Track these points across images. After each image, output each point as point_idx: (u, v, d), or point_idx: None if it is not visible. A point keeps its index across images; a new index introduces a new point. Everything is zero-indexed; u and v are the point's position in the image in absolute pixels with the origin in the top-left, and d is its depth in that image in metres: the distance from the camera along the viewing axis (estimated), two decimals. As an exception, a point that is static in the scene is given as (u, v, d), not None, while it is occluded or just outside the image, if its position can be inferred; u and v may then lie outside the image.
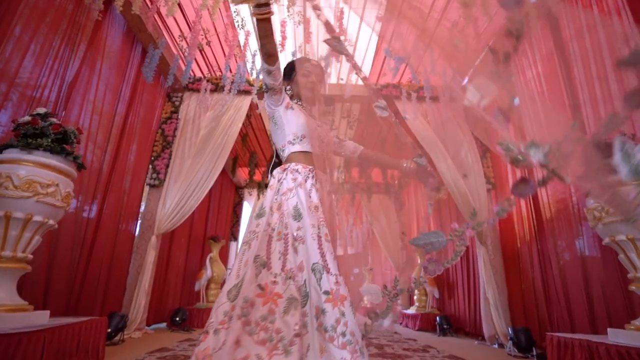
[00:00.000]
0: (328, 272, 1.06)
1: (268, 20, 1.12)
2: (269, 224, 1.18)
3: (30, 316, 1.61)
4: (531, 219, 3.23)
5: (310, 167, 1.30)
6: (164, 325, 4.19)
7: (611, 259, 2.23)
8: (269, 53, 1.20)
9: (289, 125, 1.36)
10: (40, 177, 1.68)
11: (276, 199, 1.24)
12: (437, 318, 4.29)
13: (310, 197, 1.21)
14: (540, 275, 3.00)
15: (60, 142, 1.84)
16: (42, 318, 1.69)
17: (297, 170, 1.28)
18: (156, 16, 3.34)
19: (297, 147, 1.34)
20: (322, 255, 1.08)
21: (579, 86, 2.58)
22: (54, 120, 1.85)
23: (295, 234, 1.14)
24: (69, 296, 2.62)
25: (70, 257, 2.66)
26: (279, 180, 1.28)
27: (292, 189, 1.23)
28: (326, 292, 1.03)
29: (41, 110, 1.85)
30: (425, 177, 1.38)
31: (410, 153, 1.42)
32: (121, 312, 3.17)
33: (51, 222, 1.76)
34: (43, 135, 1.78)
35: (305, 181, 1.25)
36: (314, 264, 1.08)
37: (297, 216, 1.17)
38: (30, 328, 1.51)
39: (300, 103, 1.45)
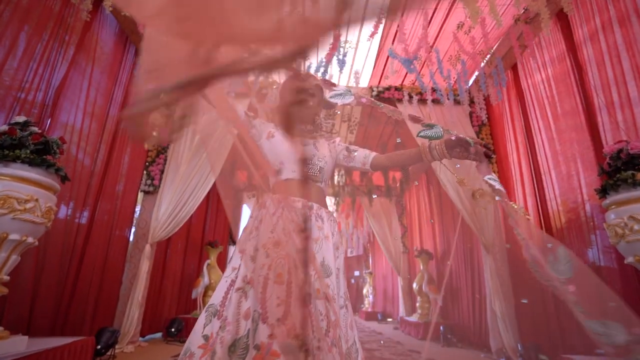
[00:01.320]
0: (265, 321, 0.91)
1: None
2: (233, 268, 1.07)
3: (5, 344, 1.48)
4: (540, 228, 3.10)
5: (282, 196, 1.15)
6: (159, 335, 4.06)
7: (631, 273, 2.10)
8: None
9: (270, 156, 1.25)
10: (18, 192, 1.56)
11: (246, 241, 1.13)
12: (441, 327, 4.17)
13: (272, 232, 1.06)
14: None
15: (41, 153, 1.71)
16: (19, 345, 1.56)
17: (264, 205, 1.15)
18: (150, 16, 3.20)
19: (276, 178, 1.23)
20: (263, 302, 0.93)
21: (593, 91, 2.44)
22: (34, 129, 1.73)
23: (249, 276, 1.02)
24: (57, 312, 2.49)
25: (58, 269, 2.54)
26: (254, 220, 1.16)
27: (257, 227, 1.11)
28: (256, 347, 0.90)
29: (20, 119, 1.72)
30: (463, 149, 1.04)
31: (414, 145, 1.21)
32: (113, 326, 3.05)
33: (30, 239, 1.63)
34: (22, 146, 1.65)
35: (273, 214, 1.10)
36: (254, 311, 0.95)
37: (254, 257, 1.05)
38: (4, 358, 1.39)
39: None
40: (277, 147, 1.23)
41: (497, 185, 0.99)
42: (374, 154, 1.26)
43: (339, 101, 1.12)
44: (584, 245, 2.64)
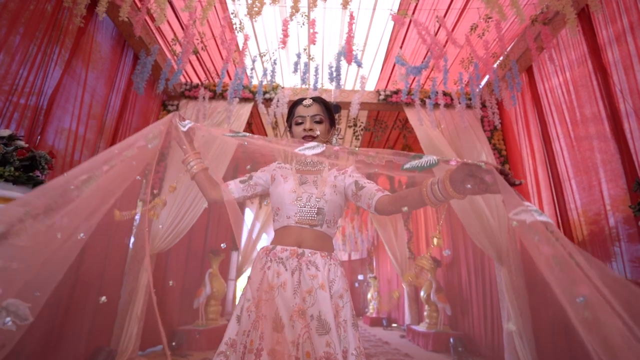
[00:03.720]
0: None
1: (197, 175, 1.22)
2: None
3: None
4: (558, 239, 2.93)
5: (272, 246, 1.08)
6: (159, 348, 3.93)
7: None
8: (210, 202, 1.21)
9: (272, 202, 1.17)
10: (0, 214, 1.42)
11: None
12: (451, 339, 4.01)
13: (257, 291, 0.99)
14: (570, 303, 2.71)
15: (28, 170, 1.58)
16: (2, 382, 1.42)
17: (258, 258, 1.09)
18: (148, 19, 3.07)
19: (274, 226, 1.16)
20: None
21: (619, 96, 2.29)
22: (20, 143, 1.59)
23: (232, 338, 0.95)
24: (50, 332, 2.36)
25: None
26: (250, 274, 1.10)
27: (246, 285, 1.05)
28: None
29: (5, 132, 1.58)
30: (478, 180, 0.77)
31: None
32: (111, 342, 2.93)
33: (14, 265, 1.49)
34: (5, 162, 1.52)
35: (261, 269, 1.03)
36: None
37: (240, 317, 0.98)
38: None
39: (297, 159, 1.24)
40: (275, 191, 1.15)
41: (541, 217, 0.66)
42: (379, 194, 1.04)
43: (309, 153, 0.90)
44: (607, 258, 2.49)
